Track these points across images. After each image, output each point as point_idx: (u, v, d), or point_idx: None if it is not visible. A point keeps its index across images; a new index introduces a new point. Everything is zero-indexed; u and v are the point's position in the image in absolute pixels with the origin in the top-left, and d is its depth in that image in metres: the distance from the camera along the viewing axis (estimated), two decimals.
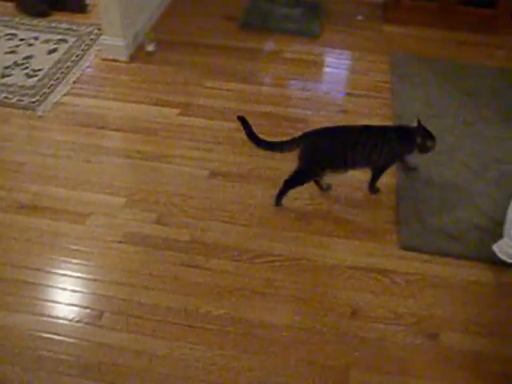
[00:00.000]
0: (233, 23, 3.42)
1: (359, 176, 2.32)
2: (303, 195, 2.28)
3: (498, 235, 2.04)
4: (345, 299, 1.91)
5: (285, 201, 2.24)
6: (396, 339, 1.81)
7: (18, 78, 2.90)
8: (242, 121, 2.13)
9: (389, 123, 2.62)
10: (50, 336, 1.78)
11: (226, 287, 1.93)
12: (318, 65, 3.17)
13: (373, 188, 2.30)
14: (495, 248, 2.00)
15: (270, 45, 3.29)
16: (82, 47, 3.15)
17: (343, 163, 2.15)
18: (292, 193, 2.26)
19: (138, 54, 3.10)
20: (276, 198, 2.22)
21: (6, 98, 2.76)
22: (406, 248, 2.10)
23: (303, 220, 2.19)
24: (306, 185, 2.22)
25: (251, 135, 2.12)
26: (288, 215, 2.20)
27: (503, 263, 1.99)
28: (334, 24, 3.52)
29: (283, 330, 1.81)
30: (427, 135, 2.18)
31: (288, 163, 2.26)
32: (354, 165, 2.17)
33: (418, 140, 2.17)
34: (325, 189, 2.29)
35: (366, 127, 2.20)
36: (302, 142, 2.12)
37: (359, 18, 3.65)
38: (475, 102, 2.90)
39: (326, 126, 2.23)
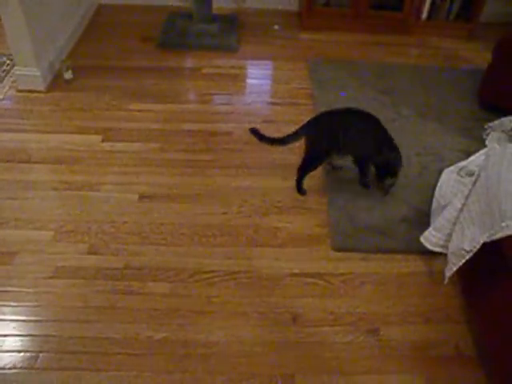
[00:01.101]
0: (150, 43, 3.41)
1: (283, 184, 2.36)
2: (231, 208, 2.30)
3: (425, 225, 2.13)
4: (284, 307, 1.93)
5: (211, 216, 2.26)
6: (337, 339, 1.84)
7: None
8: (253, 131, 2.29)
9: None
10: None
11: (164, 310, 1.90)
12: (239, 78, 3.20)
13: (364, 182, 2.42)
14: (422, 238, 2.08)
15: (189, 62, 3.29)
16: None
17: (337, 146, 2.25)
18: (219, 207, 2.28)
19: (55, 83, 3.03)
20: (297, 187, 2.37)
21: None
22: (338, 249, 2.15)
23: (234, 234, 2.19)
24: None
25: (263, 138, 2.29)
26: (219, 230, 2.20)
27: (432, 252, 2.07)
28: (252, 36, 3.58)
29: (226, 346, 1.81)
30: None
31: (212, 178, 2.29)
32: (345, 149, 2.28)
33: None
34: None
35: (359, 113, 2.28)
36: (304, 131, 2.25)
37: (276, 27, 3.72)
38: (393, 100, 3.01)
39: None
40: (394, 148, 2.25)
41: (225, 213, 2.27)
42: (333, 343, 1.83)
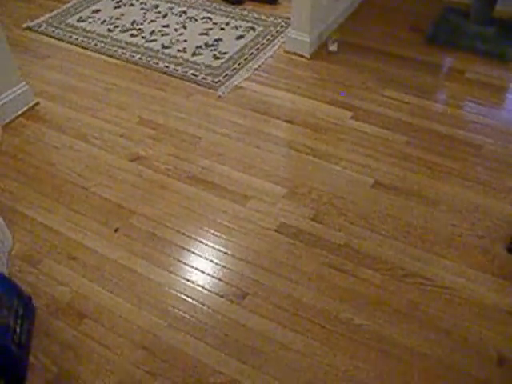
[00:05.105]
0: (418, 34, 3.33)
1: None
2: (462, 222, 2.17)
3: None
4: (492, 343, 1.80)
5: (439, 224, 2.16)
6: None
7: (206, 57, 3.10)
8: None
9: None
10: (194, 302, 1.91)
11: (370, 299, 1.91)
12: (503, 91, 2.97)
13: None
14: None
15: (453, 62, 3.15)
16: (268, 37, 3.27)
17: None
18: (451, 217, 2.19)
19: (319, 52, 3.16)
20: None
21: (193, 74, 2.97)
22: None
23: (460, 249, 2.08)
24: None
25: None
26: (445, 241, 2.11)
27: None
28: None
29: (420, 357, 1.76)
30: None
31: (451, 186, 2.18)
32: None
33: None
34: None
35: None
36: None
37: None
38: None
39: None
40: None
41: (455, 225, 2.17)
42: None
